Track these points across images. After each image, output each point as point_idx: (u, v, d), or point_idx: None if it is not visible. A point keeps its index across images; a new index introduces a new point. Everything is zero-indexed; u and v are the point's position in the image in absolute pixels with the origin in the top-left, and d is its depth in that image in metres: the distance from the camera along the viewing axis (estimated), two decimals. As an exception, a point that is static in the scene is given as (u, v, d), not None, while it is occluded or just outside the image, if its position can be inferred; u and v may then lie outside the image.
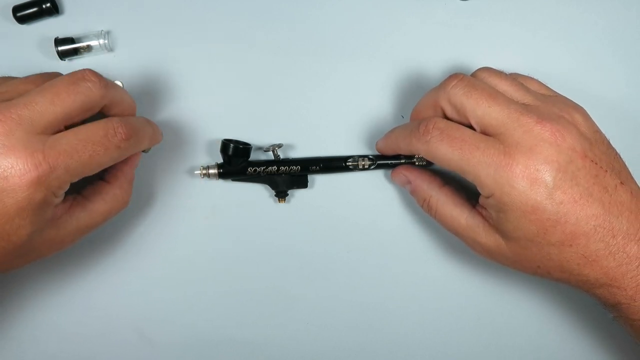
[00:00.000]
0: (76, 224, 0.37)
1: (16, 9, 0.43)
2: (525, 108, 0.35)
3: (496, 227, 0.36)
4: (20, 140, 0.32)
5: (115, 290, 0.44)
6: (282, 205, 0.45)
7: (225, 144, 0.41)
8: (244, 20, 0.45)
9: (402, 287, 0.45)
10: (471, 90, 0.36)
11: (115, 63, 0.44)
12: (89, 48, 0.44)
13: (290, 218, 0.45)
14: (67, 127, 0.35)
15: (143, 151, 0.43)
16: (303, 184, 0.44)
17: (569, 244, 0.34)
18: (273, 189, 0.44)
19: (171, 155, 0.44)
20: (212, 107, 0.45)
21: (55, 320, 0.44)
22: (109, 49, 0.44)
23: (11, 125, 0.32)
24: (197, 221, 0.45)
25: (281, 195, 0.44)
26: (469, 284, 0.45)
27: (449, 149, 0.35)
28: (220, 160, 0.43)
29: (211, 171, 0.43)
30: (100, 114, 0.38)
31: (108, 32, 0.44)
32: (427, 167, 0.43)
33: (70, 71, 0.36)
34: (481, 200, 0.37)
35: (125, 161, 0.41)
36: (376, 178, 0.45)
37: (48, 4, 0.43)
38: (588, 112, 0.38)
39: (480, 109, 0.35)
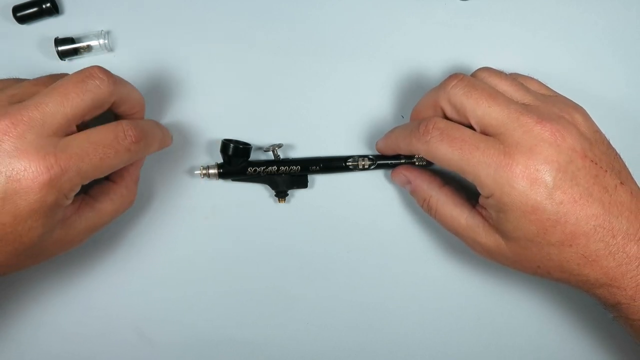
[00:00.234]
0: (85, 223, 0.38)
1: (16, 9, 0.43)
2: (525, 108, 0.35)
3: (496, 227, 0.36)
4: (32, 143, 0.32)
5: (115, 290, 0.44)
6: (282, 205, 0.45)
7: (225, 144, 0.41)
8: (244, 20, 0.45)
9: (402, 287, 0.45)
10: (471, 90, 0.36)
11: (115, 63, 0.44)
12: (89, 48, 0.44)
13: (290, 218, 0.45)
14: (79, 126, 0.35)
15: None
16: (303, 184, 0.44)
17: (568, 244, 0.34)
18: (273, 189, 0.44)
19: (171, 155, 0.44)
20: (212, 107, 0.45)
21: (55, 320, 0.44)
22: (109, 49, 0.44)
23: (23, 128, 0.32)
24: (197, 221, 0.45)
25: (281, 195, 0.44)
26: (469, 284, 0.45)
27: (449, 149, 0.35)
28: (220, 160, 0.43)
29: (211, 171, 0.43)
30: (110, 111, 0.38)
31: (108, 32, 0.44)
32: (427, 167, 0.43)
33: (73, 71, 0.36)
34: (481, 200, 0.37)
35: None
36: (376, 178, 0.45)
37: (48, 4, 0.43)
38: (588, 112, 0.38)
39: (480, 109, 0.35)
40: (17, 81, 0.38)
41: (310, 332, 0.45)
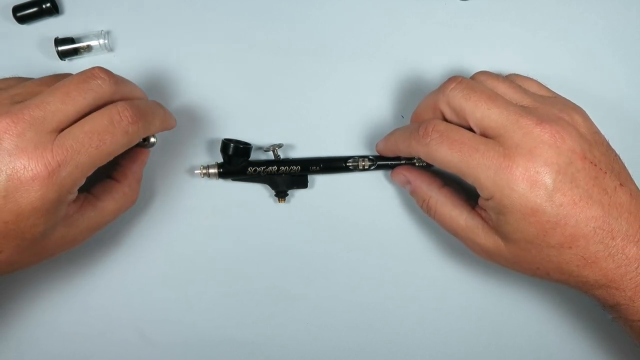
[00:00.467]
0: (87, 222, 0.38)
1: (16, 9, 0.43)
2: (525, 110, 0.35)
3: (495, 228, 0.36)
4: (32, 141, 0.32)
5: (115, 290, 0.44)
6: (282, 205, 0.45)
7: (226, 143, 0.41)
8: (244, 20, 0.45)
9: (402, 287, 0.45)
10: (470, 93, 0.36)
11: (115, 63, 0.44)
12: (89, 48, 0.44)
13: (290, 218, 0.45)
14: None
15: (147, 146, 0.43)
16: (303, 184, 0.44)
17: (568, 245, 0.34)
18: (273, 189, 0.44)
19: (171, 154, 0.45)
20: (212, 107, 0.45)
21: (55, 320, 0.44)
22: (109, 49, 0.44)
23: (23, 127, 0.32)
24: (197, 221, 0.45)
25: (281, 195, 0.44)
26: (469, 284, 0.45)
27: (449, 152, 0.35)
28: (220, 159, 0.43)
29: (211, 171, 0.43)
30: None
31: (108, 32, 0.44)
32: (427, 168, 0.43)
33: (73, 71, 0.36)
34: (481, 202, 0.37)
35: (133, 160, 0.41)
36: (376, 178, 0.45)
37: (48, 4, 0.43)
38: (588, 112, 0.38)
39: (479, 111, 0.35)
40: (20, 80, 0.38)
41: (310, 332, 0.45)
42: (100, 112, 0.35)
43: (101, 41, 0.43)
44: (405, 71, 0.46)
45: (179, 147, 0.45)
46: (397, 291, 0.45)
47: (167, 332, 0.44)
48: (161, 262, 0.44)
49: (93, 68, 0.36)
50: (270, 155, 0.44)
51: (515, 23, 0.46)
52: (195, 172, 0.43)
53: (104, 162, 0.35)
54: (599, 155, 0.35)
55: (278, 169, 0.43)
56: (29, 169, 0.32)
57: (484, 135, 0.35)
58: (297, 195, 0.45)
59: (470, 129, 0.36)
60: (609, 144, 0.37)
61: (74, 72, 0.37)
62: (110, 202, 0.39)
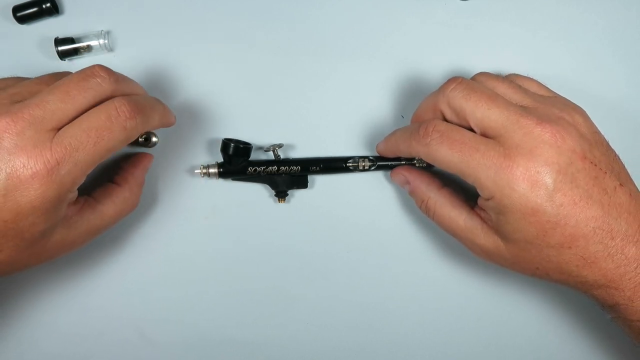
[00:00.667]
0: (87, 225, 0.38)
1: (16, 9, 0.43)
2: (525, 110, 0.35)
3: (495, 228, 0.36)
4: (31, 140, 0.32)
5: (115, 290, 0.44)
6: (282, 205, 0.45)
7: (226, 143, 0.41)
8: (244, 20, 0.45)
9: (402, 287, 0.45)
10: (470, 93, 0.36)
11: (115, 63, 0.44)
12: (89, 48, 0.44)
13: (290, 218, 0.45)
14: None
15: (149, 146, 0.43)
16: (303, 184, 0.44)
17: (568, 246, 0.34)
18: (273, 189, 0.44)
19: (171, 154, 0.45)
20: (212, 107, 0.45)
21: (55, 320, 0.44)
22: (109, 49, 0.44)
23: (23, 125, 0.32)
24: (197, 221, 0.45)
25: (281, 195, 0.44)
26: (468, 284, 0.45)
27: (449, 151, 0.35)
28: (220, 159, 0.43)
29: (211, 170, 0.43)
30: None
31: (108, 32, 0.44)
32: (427, 169, 0.43)
33: (73, 71, 0.36)
34: (480, 202, 0.37)
35: (136, 164, 0.41)
36: (376, 179, 0.45)
37: (48, 4, 0.43)
38: (588, 112, 0.38)
39: (480, 111, 0.35)
40: (19, 80, 0.38)
41: (310, 332, 0.45)
42: (97, 109, 0.35)
43: (101, 41, 0.43)
44: (405, 71, 0.46)
45: (179, 147, 0.45)
46: (397, 291, 0.45)
47: (167, 332, 0.44)
48: (161, 262, 0.44)
49: (93, 66, 0.36)
50: (270, 155, 0.44)
51: (515, 23, 0.46)
52: (195, 171, 0.43)
53: (104, 159, 0.35)
54: (599, 155, 0.35)
55: (278, 169, 0.43)
56: (29, 167, 0.32)
57: (485, 135, 0.35)
58: (297, 195, 0.45)
59: (471, 129, 0.36)
60: (609, 144, 0.37)
61: (74, 72, 0.36)
62: (110, 205, 0.39)
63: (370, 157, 0.44)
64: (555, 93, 0.40)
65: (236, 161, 0.42)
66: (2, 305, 0.43)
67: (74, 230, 0.37)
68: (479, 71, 0.41)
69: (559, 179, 0.33)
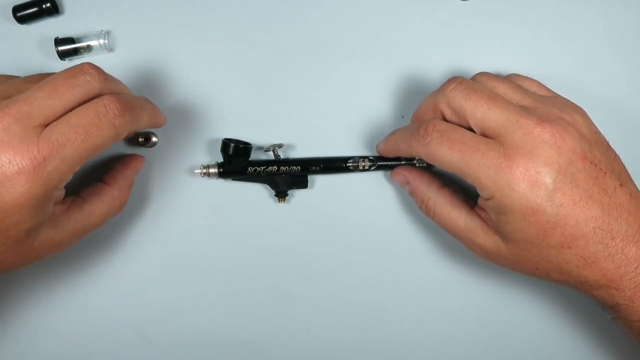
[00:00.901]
0: (74, 224, 0.37)
1: (16, 9, 0.43)
2: (525, 110, 0.35)
3: (495, 228, 0.36)
4: (17, 135, 0.32)
5: (115, 290, 0.44)
6: (282, 205, 0.45)
7: (226, 143, 0.41)
8: (244, 20, 0.45)
9: (402, 287, 0.45)
10: (470, 93, 0.36)
11: (115, 63, 0.44)
12: (89, 48, 0.44)
13: (290, 218, 0.45)
14: None
15: (149, 146, 0.43)
16: (303, 184, 0.44)
17: (568, 245, 0.34)
18: (273, 189, 0.44)
19: (171, 154, 0.45)
20: (212, 107, 0.45)
21: (54, 321, 0.44)
22: (109, 49, 0.44)
23: (9, 121, 0.32)
24: (197, 221, 0.45)
25: (281, 195, 0.44)
26: (468, 284, 0.45)
27: (449, 151, 0.35)
28: (220, 159, 0.43)
29: (211, 170, 0.43)
30: None
31: (108, 32, 0.44)
32: (427, 169, 0.43)
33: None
34: (480, 202, 0.37)
35: (126, 165, 0.41)
36: (376, 179, 0.45)
37: (48, 4, 0.43)
38: (588, 112, 0.38)
39: (480, 111, 0.35)
40: (8, 78, 0.38)
41: (310, 332, 0.45)
42: (86, 106, 0.34)
43: (101, 41, 0.43)
44: (405, 71, 0.46)
45: (179, 147, 0.44)
46: (397, 291, 0.45)
47: (167, 332, 0.44)
48: (161, 262, 0.44)
49: (82, 64, 0.35)
50: (270, 155, 0.44)
51: (515, 23, 0.46)
52: (195, 171, 0.43)
53: (92, 156, 0.34)
54: (599, 155, 0.35)
55: (278, 169, 0.43)
56: (14, 163, 0.31)
57: (485, 135, 0.35)
58: (297, 195, 0.45)
59: (471, 129, 0.36)
60: (609, 144, 0.37)
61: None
62: (98, 204, 0.39)
63: (370, 157, 0.44)
64: (556, 93, 0.40)
65: (236, 161, 0.42)
66: (1, 306, 0.43)
67: (61, 230, 0.37)
68: (479, 71, 0.41)
69: (559, 179, 0.33)
